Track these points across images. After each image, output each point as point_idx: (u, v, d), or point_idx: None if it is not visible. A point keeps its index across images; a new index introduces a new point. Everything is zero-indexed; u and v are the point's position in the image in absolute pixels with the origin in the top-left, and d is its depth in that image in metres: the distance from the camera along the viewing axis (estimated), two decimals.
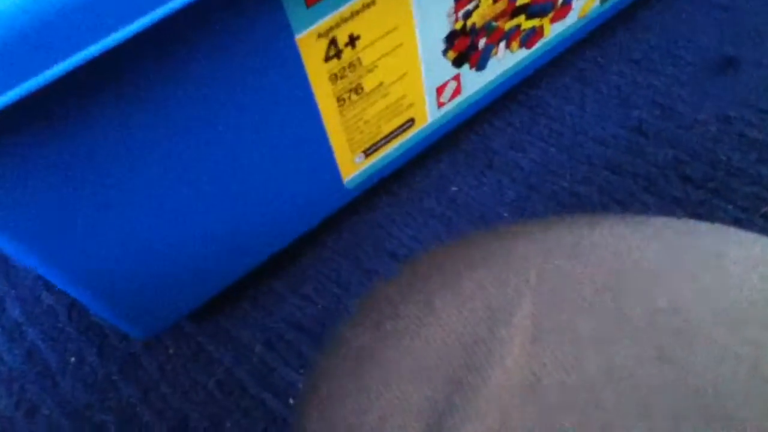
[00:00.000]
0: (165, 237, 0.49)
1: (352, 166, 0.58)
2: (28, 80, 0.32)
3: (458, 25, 0.55)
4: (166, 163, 0.44)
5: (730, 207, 0.61)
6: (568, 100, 0.71)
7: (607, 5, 0.68)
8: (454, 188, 0.67)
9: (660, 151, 0.65)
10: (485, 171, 0.67)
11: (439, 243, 0.62)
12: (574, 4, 0.64)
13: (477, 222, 0.64)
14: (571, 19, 0.65)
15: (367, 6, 0.47)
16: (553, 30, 0.65)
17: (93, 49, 0.33)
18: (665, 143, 0.66)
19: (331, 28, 0.46)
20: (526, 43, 0.63)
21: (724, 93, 0.69)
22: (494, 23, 0.58)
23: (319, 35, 0.46)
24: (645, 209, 0.63)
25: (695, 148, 0.65)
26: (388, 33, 0.50)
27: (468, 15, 0.55)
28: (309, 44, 0.46)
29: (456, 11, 0.54)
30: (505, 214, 0.64)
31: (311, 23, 0.45)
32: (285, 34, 0.44)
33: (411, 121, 0.59)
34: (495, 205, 0.65)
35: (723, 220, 0.60)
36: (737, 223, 0.60)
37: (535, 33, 0.63)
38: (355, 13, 0.47)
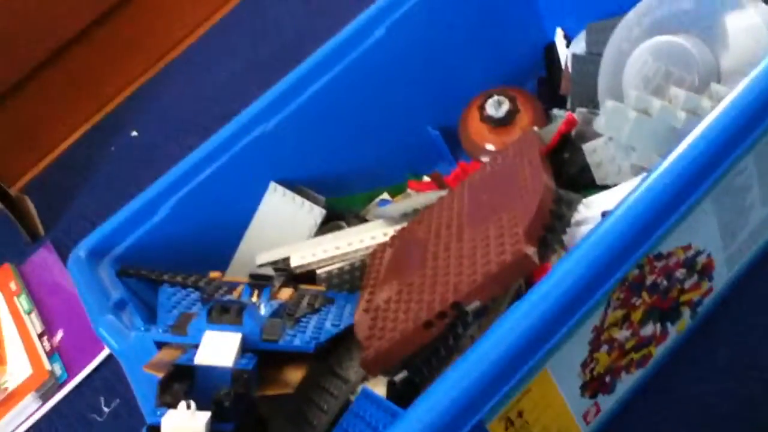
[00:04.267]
0: None
1: None
2: None
3: (588, 377, 0.76)
4: None
5: None
6: None
7: (696, 319, 0.88)
8: None
9: None
10: None
11: None
12: (670, 329, 0.85)
13: None
14: (671, 338, 0.86)
15: (527, 392, 0.70)
16: (658, 350, 0.85)
17: None
18: None
19: (507, 411, 0.69)
20: (640, 365, 0.84)
21: None
22: (613, 365, 0.79)
23: (500, 419, 0.68)
24: None
25: None
26: (543, 402, 0.73)
27: (592, 370, 0.76)
28: (495, 427, 0.69)
29: (583, 371, 0.76)
30: None
31: (498, 410, 0.68)
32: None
33: None
34: None
35: None
36: None
37: (645, 358, 0.84)
38: (522, 395, 0.70)
